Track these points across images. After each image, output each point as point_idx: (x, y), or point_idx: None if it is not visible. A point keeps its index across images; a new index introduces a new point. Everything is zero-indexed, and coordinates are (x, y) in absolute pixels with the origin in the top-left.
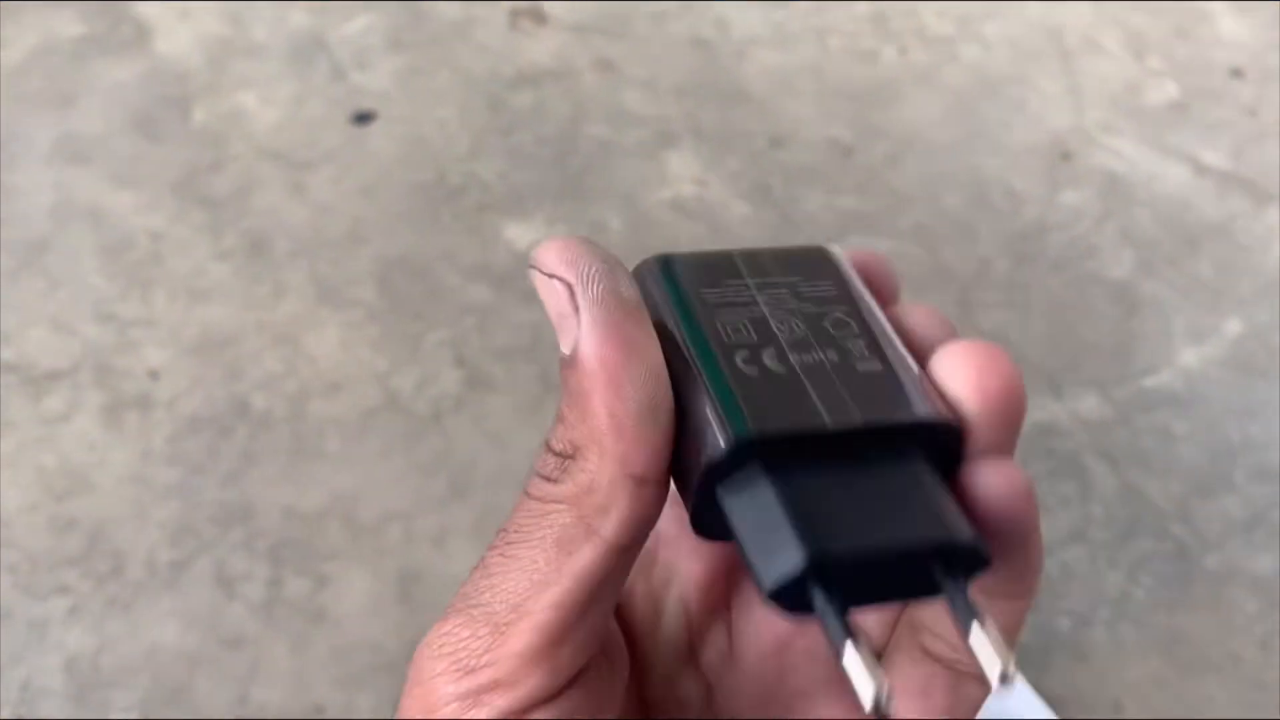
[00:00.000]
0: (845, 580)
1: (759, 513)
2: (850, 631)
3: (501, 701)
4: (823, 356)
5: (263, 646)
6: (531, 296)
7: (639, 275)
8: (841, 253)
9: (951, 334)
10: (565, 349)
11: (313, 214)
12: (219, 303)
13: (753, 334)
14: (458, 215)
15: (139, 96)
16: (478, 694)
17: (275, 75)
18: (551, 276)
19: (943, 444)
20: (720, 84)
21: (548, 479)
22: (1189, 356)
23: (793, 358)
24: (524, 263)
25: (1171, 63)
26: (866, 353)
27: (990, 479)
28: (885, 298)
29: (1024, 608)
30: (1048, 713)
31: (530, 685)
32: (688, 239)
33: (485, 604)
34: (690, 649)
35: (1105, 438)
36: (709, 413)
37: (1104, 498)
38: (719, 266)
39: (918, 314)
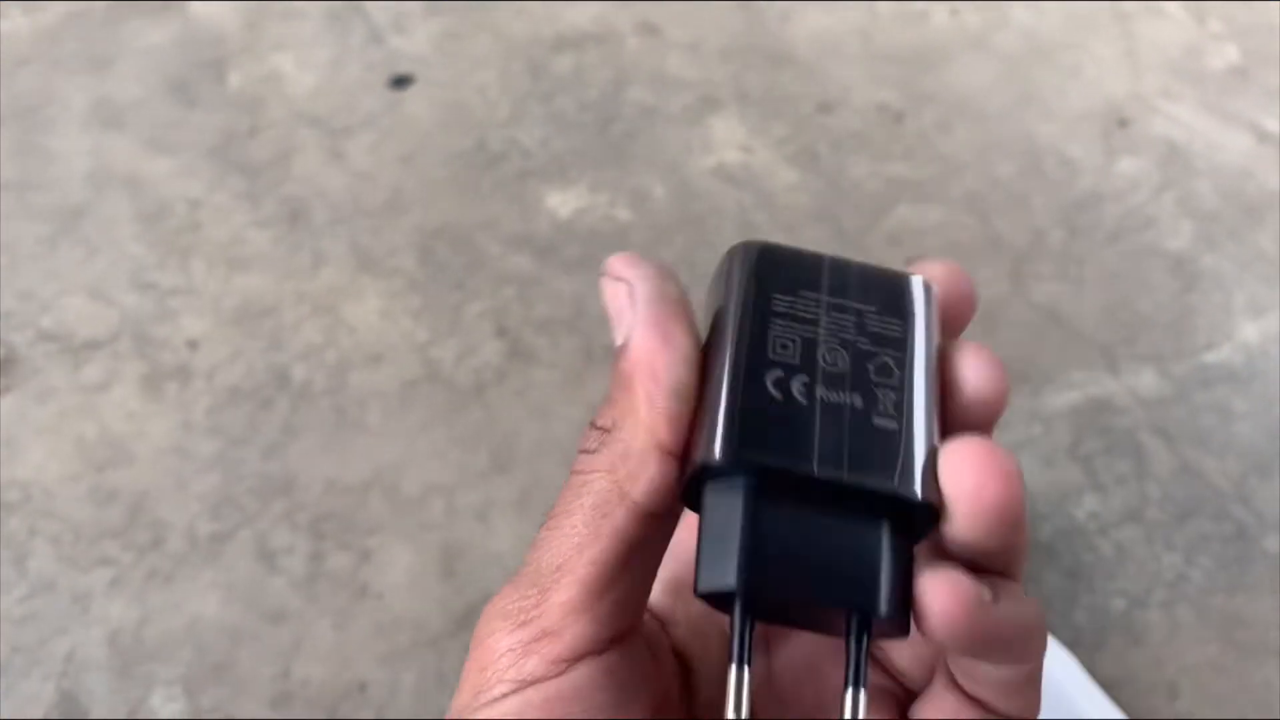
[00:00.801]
0: (764, 610)
1: (723, 521)
2: (743, 657)
3: (550, 649)
4: (848, 400)
5: (305, 621)
6: (573, 266)
7: (731, 254)
8: (934, 288)
9: (999, 398)
10: (619, 339)
11: (352, 181)
12: (258, 271)
13: (797, 356)
14: (498, 183)
15: (174, 60)
16: (528, 644)
17: (311, 38)
18: (616, 279)
19: (922, 521)
20: (766, 47)
21: (588, 452)
22: (1249, 331)
23: (819, 392)
24: (566, 231)
25: (1233, 26)
26: (891, 409)
27: (932, 594)
28: (954, 325)
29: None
30: (1117, 713)
31: (575, 633)
32: (732, 207)
33: (533, 569)
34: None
35: (1162, 415)
36: (720, 416)
37: (1160, 477)
38: (805, 271)
39: (977, 367)
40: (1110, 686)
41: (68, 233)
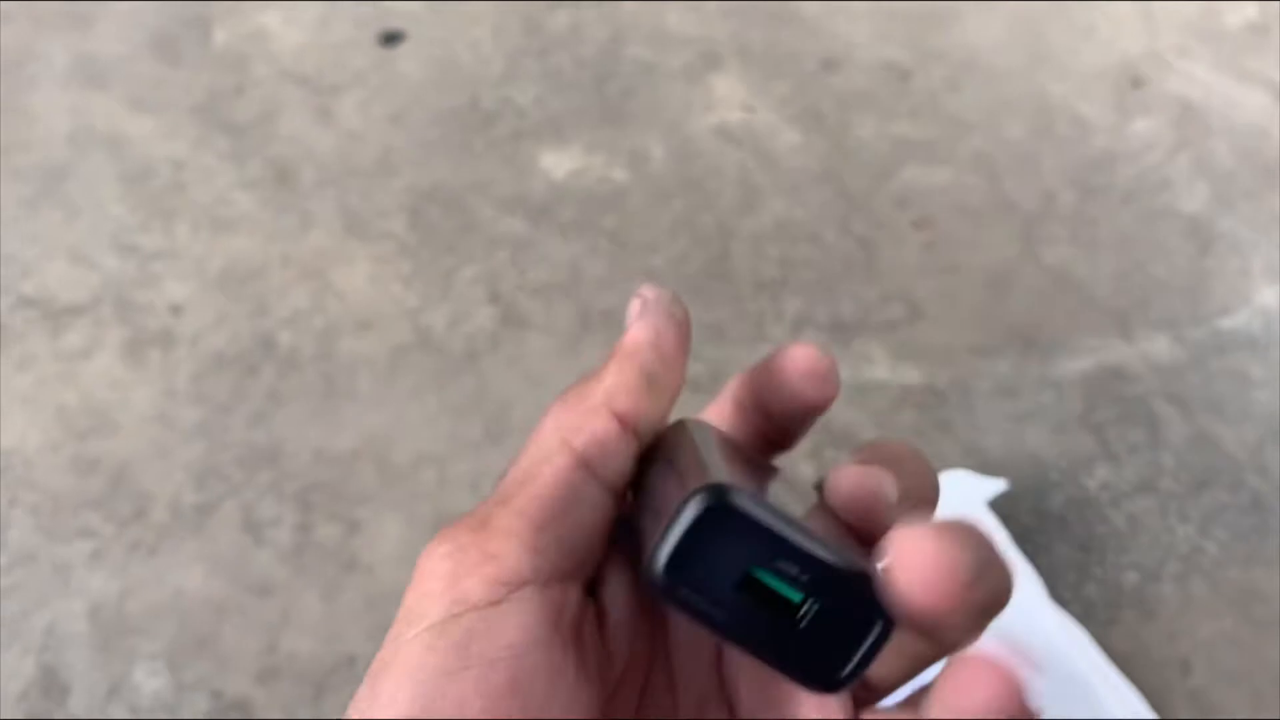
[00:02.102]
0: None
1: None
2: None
3: (488, 570)
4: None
5: (292, 594)
6: (569, 229)
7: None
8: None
9: (825, 400)
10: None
11: (340, 141)
12: (243, 234)
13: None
14: (492, 143)
15: (157, 16)
16: (469, 567)
17: None
18: (638, 298)
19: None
20: (768, 2)
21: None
22: (1267, 296)
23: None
24: (561, 193)
25: None
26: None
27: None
28: (818, 405)
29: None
30: (1130, 689)
31: (514, 558)
32: (733, 168)
33: (482, 507)
34: (720, 679)
35: (1177, 382)
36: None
37: (1175, 446)
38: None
39: (853, 483)
40: (1122, 662)
41: (48, 194)
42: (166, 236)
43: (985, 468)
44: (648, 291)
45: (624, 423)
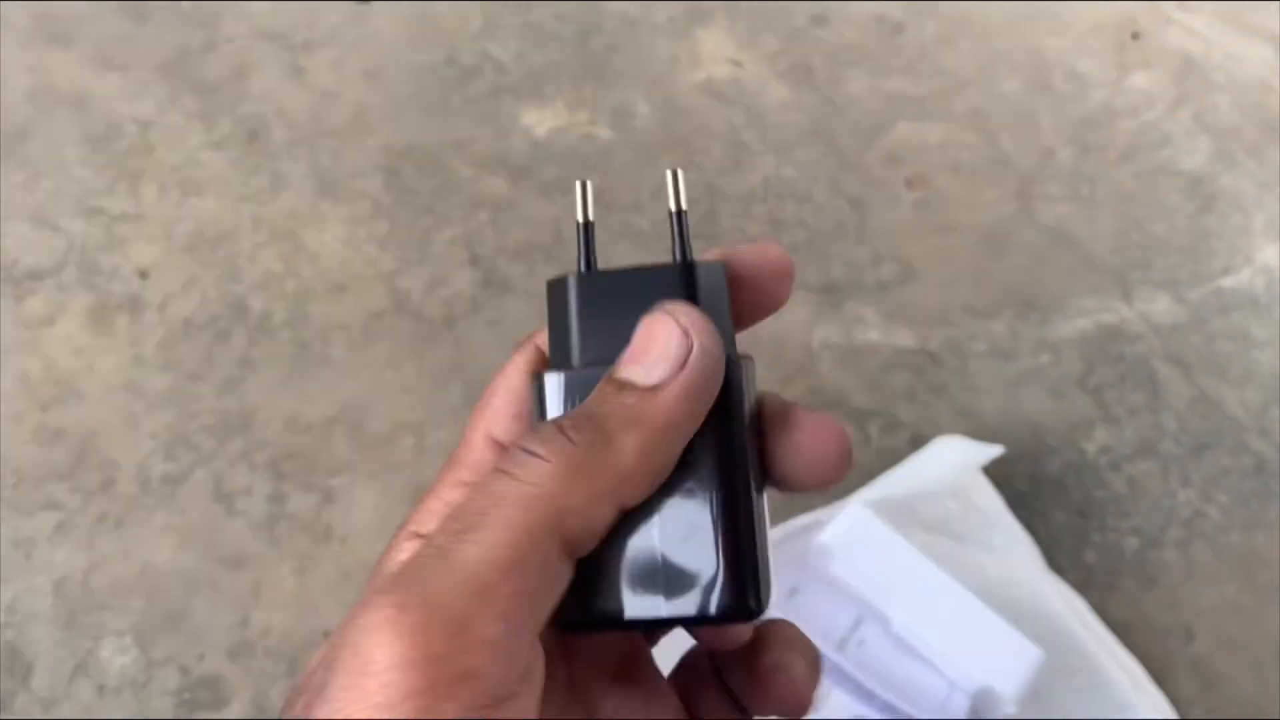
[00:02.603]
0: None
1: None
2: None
3: (468, 696)
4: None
5: (265, 567)
6: (551, 189)
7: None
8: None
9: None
10: (649, 377)
11: (313, 100)
12: (213, 196)
13: None
14: (470, 100)
15: None
16: (446, 688)
17: None
18: (680, 324)
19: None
20: None
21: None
22: (1269, 254)
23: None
24: (543, 152)
25: None
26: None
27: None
28: (772, 300)
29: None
30: (1132, 661)
31: (496, 677)
32: (721, 125)
33: (438, 578)
34: (623, 665)
35: (1178, 342)
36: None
37: (1176, 408)
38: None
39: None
40: (1122, 630)
41: (9, 155)
42: (133, 199)
43: (980, 432)
44: (687, 320)
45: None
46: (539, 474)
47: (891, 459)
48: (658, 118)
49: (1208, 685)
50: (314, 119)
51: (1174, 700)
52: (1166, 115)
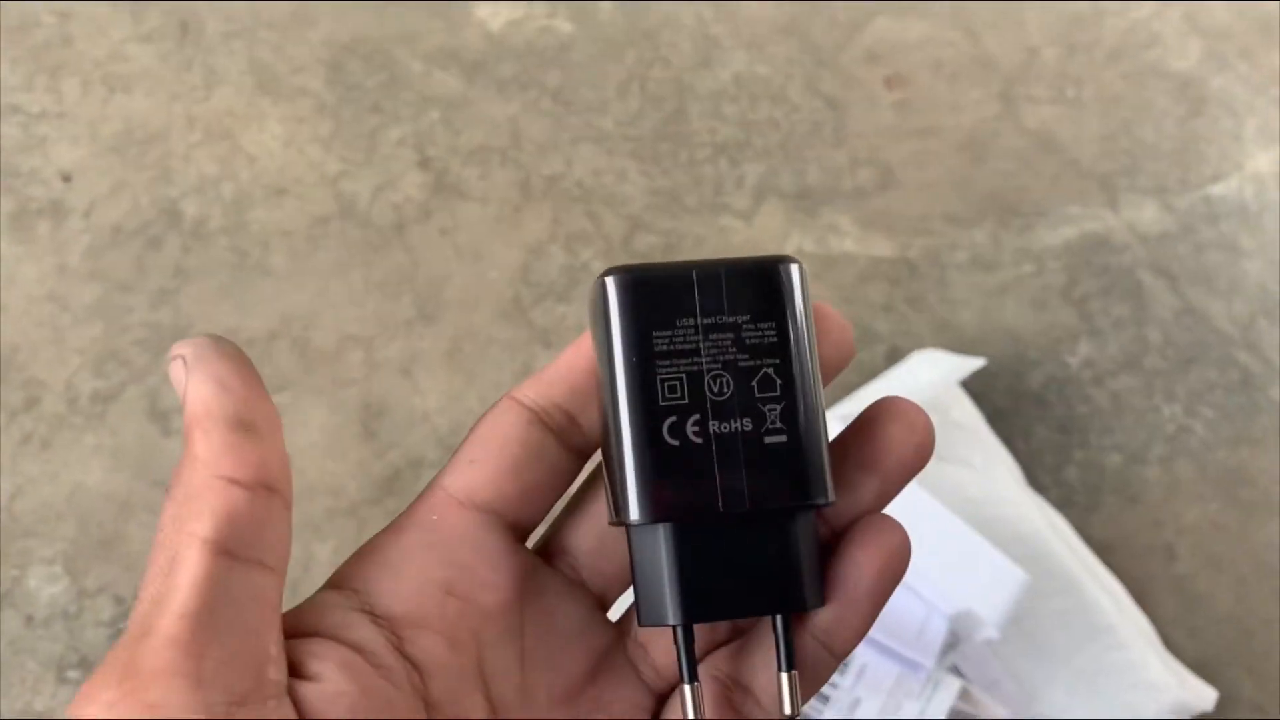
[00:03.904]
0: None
1: (652, 562)
2: (692, 674)
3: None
4: (739, 426)
5: None
6: (507, 87)
7: (602, 289)
8: (802, 270)
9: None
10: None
11: None
12: (141, 93)
13: (685, 394)
14: None
15: None
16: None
17: None
18: (174, 358)
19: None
20: None
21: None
22: (1260, 161)
23: (712, 427)
24: (498, 46)
25: None
26: (779, 423)
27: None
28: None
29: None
30: (1112, 579)
31: (178, 703)
32: (690, 19)
33: (119, 653)
34: (480, 676)
35: (1164, 252)
36: (629, 477)
37: (1161, 320)
38: (675, 296)
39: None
40: (1103, 550)
41: None
42: (53, 96)
43: (960, 345)
44: (182, 348)
45: (246, 485)
46: (161, 518)
47: (867, 373)
48: (622, 9)
49: (1189, 605)
50: (251, 9)
51: (1155, 620)
52: (1156, 14)
